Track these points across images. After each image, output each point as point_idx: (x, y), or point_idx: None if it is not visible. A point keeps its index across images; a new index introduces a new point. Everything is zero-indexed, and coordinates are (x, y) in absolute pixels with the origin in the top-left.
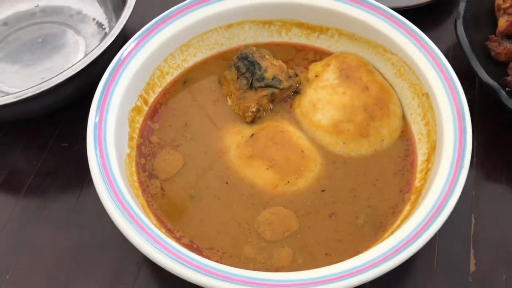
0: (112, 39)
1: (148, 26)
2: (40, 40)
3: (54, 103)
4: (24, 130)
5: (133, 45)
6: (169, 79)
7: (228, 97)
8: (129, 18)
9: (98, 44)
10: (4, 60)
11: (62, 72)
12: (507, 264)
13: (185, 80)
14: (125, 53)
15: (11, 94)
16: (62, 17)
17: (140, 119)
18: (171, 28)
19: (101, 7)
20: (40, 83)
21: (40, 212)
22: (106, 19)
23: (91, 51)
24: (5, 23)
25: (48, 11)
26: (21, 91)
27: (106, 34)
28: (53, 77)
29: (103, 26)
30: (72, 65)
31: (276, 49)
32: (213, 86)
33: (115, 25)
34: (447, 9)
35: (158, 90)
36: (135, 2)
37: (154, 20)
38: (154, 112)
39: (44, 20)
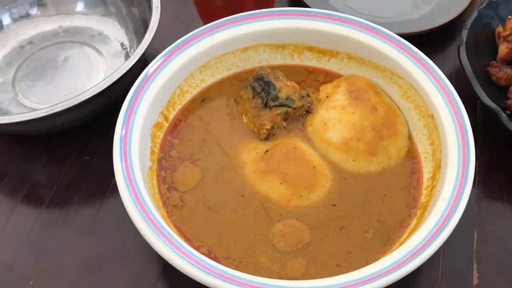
0: (136, 59)
1: (171, 48)
2: (63, 58)
3: (77, 119)
4: (47, 144)
5: (157, 64)
6: (188, 97)
7: (243, 115)
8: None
9: (122, 65)
10: (29, 77)
11: (88, 90)
12: (509, 278)
13: (203, 99)
14: (150, 71)
15: (39, 109)
16: (84, 37)
17: (161, 134)
18: (192, 50)
19: (122, 28)
20: (67, 100)
21: (62, 223)
22: (127, 40)
23: (115, 71)
24: (30, 42)
25: (71, 32)
26: (49, 107)
27: (127, 55)
28: (79, 94)
29: (124, 47)
30: (97, 84)
31: (289, 71)
32: (230, 105)
33: (136, 46)
34: (449, 36)
35: (178, 107)
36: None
37: (177, 42)
38: (174, 128)
39: (67, 39)
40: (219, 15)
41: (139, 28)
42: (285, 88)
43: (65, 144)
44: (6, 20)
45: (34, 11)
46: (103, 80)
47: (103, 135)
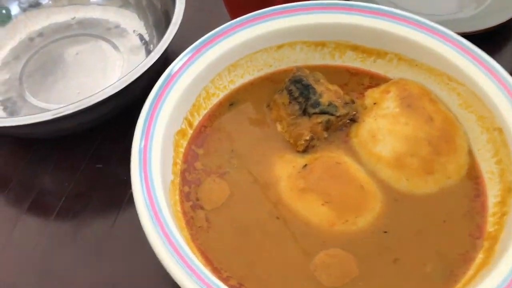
0: (157, 56)
1: (196, 44)
2: (75, 53)
3: (90, 121)
4: (55, 148)
5: (182, 62)
6: (214, 101)
7: (277, 122)
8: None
9: (141, 62)
10: (37, 72)
11: (103, 89)
12: None
13: (231, 103)
14: (174, 70)
15: (48, 111)
16: (99, 30)
17: (184, 143)
18: (220, 47)
19: (141, 21)
20: (79, 101)
21: (71, 238)
22: (146, 33)
23: (134, 69)
24: (41, 34)
25: (85, 24)
26: (58, 108)
27: (146, 50)
28: (93, 95)
29: (143, 41)
30: (113, 83)
31: (329, 72)
32: (261, 110)
33: (156, 41)
34: (504, 36)
35: (203, 112)
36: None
37: (203, 38)
38: (199, 135)
39: (80, 32)
40: (248, 8)
41: (160, 21)
42: (327, 92)
43: (76, 149)
44: (15, 9)
45: (45, 0)
46: (120, 79)
47: (118, 139)
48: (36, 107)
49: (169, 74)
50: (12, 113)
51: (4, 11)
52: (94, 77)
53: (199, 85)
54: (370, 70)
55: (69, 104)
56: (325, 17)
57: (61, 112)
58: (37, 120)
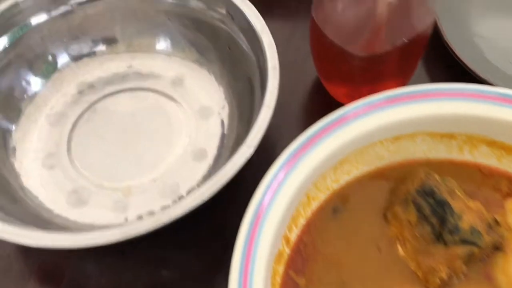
0: (251, 151)
1: (298, 144)
2: (132, 114)
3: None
4: (113, 248)
5: (281, 174)
6: (314, 205)
7: (399, 243)
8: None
9: (227, 162)
10: (88, 136)
11: (180, 203)
12: None
13: (335, 208)
14: (272, 185)
15: (115, 228)
16: (160, 83)
17: (280, 268)
18: (327, 144)
19: (211, 75)
20: (153, 217)
21: None
22: (218, 93)
23: (217, 173)
24: (91, 85)
25: (143, 75)
26: (127, 227)
27: (219, 115)
28: (167, 209)
29: (216, 103)
30: (193, 191)
31: (454, 170)
32: (375, 221)
33: (232, 107)
34: None
35: (302, 222)
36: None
37: (307, 136)
38: (297, 256)
39: (137, 86)
40: (347, 76)
41: (236, 80)
42: (468, 212)
43: (137, 249)
44: (63, 58)
45: (98, 47)
46: (198, 185)
47: (186, 240)
48: (89, 190)
49: (266, 189)
50: (55, 202)
51: (50, 58)
52: (156, 147)
53: (301, 193)
54: (508, 171)
55: (140, 221)
56: (455, 105)
57: (131, 233)
58: (98, 242)
